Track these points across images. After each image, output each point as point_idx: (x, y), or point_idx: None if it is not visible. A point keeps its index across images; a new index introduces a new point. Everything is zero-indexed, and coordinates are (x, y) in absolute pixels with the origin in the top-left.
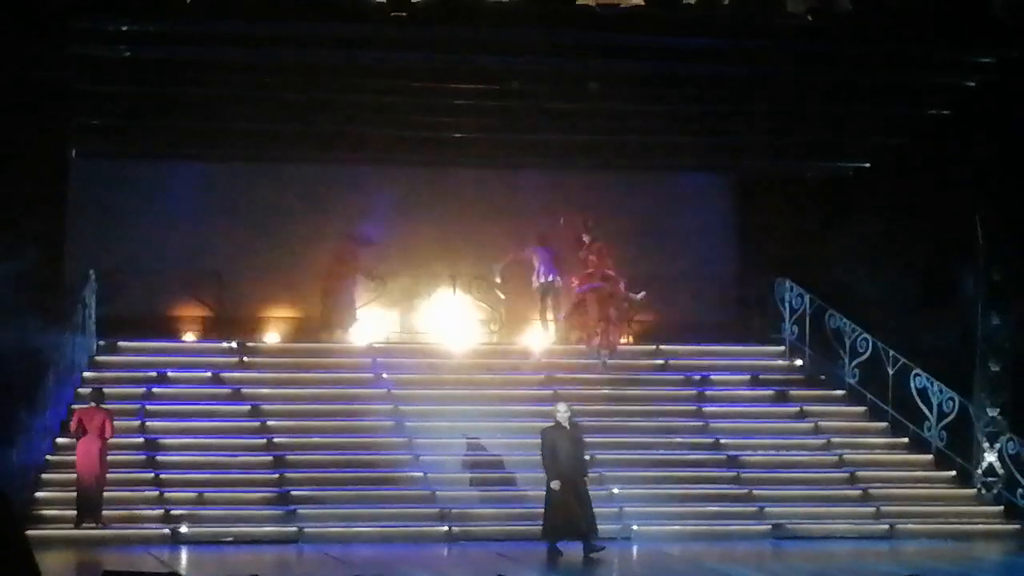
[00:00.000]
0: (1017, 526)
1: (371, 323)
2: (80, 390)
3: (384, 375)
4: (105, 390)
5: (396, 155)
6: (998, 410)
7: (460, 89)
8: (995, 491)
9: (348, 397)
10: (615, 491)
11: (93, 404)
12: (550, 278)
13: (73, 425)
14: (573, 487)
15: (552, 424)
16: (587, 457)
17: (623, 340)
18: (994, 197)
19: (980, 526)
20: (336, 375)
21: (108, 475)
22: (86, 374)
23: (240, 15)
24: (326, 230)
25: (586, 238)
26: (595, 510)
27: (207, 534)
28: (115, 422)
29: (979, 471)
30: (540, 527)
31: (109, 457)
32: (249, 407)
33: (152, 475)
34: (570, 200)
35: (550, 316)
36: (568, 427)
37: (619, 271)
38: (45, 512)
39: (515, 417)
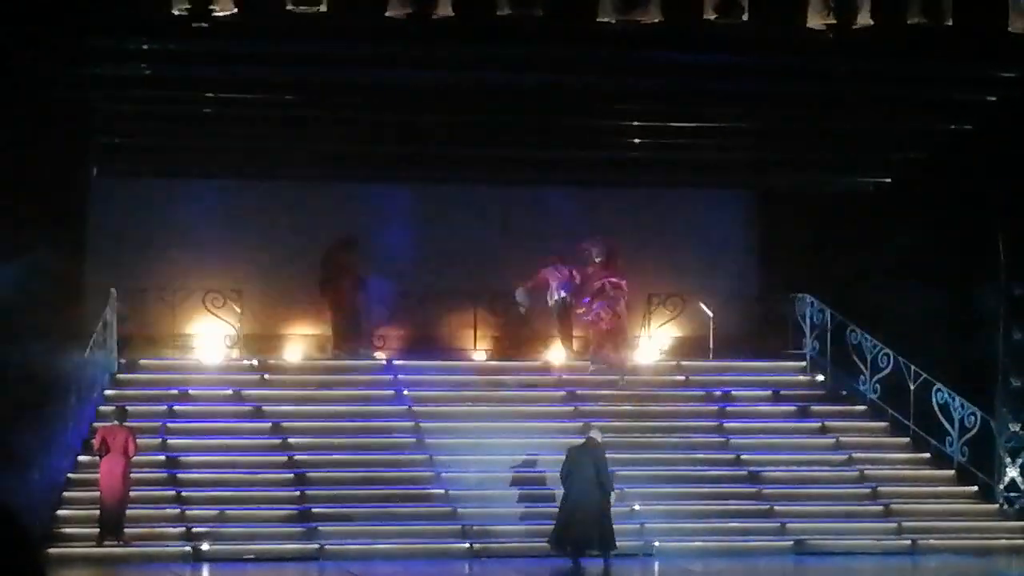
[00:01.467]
0: None
1: (390, 340)
2: (102, 408)
3: (405, 392)
4: (127, 408)
5: (417, 173)
6: (1020, 425)
7: (480, 106)
8: (1017, 506)
9: (369, 414)
10: (636, 507)
11: (116, 422)
12: (562, 294)
13: (96, 444)
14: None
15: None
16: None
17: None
18: (1016, 212)
19: (1002, 541)
20: (357, 392)
21: (130, 493)
22: (107, 392)
23: (259, 34)
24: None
25: (595, 257)
26: (616, 526)
27: (228, 551)
28: (137, 440)
29: (1001, 486)
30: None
31: (131, 475)
32: (270, 424)
33: (174, 493)
34: (591, 216)
35: (570, 333)
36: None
37: (625, 280)
38: (67, 530)
39: (536, 433)
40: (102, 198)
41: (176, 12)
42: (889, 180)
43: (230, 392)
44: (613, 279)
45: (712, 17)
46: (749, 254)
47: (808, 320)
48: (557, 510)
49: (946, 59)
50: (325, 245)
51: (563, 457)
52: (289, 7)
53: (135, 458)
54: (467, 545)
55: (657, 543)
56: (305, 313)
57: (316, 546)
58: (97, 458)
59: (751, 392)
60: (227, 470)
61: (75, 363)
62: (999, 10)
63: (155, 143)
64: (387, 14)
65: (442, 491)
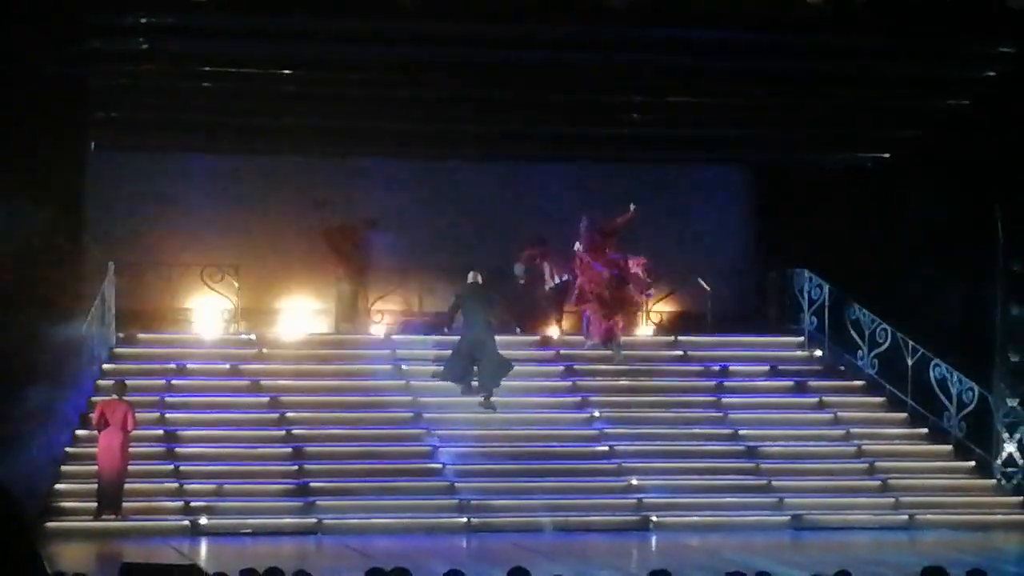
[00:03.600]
0: None
1: (387, 315)
2: (100, 382)
3: (403, 367)
4: (126, 382)
5: (415, 149)
6: (1017, 400)
7: (477, 83)
8: (1015, 481)
9: (367, 389)
10: (634, 482)
11: (115, 397)
12: (565, 278)
13: (95, 418)
14: (480, 345)
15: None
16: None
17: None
18: (1014, 188)
19: (999, 516)
20: (355, 367)
21: (128, 467)
22: (106, 366)
23: (258, 9)
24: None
25: (583, 228)
26: (612, 500)
27: (226, 526)
28: (135, 414)
29: (999, 461)
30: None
31: (129, 449)
32: (268, 399)
33: (171, 467)
34: (587, 193)
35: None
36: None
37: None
38: (65, 504)
39: (533, 408)
40: (100, 172)
41: None
42: (887, 156)
43: (228, 367)
44: (633, 269)
45: None
46: (747, 229)
47: (806, 295)
48: (457, 346)
49: (944, 35)
50: (326, 225)
51: (558, 432)
52: None
53: (133, 432)
54: (464, 519)
55: (654, 518)
56: (303, 288)
57: (314, 520)
58: (96, 432)
59: (749, 367)
60: (225, 444)
61: (73, 337)
62: None
63: (153, 117)
64: None
65: (439, 465)
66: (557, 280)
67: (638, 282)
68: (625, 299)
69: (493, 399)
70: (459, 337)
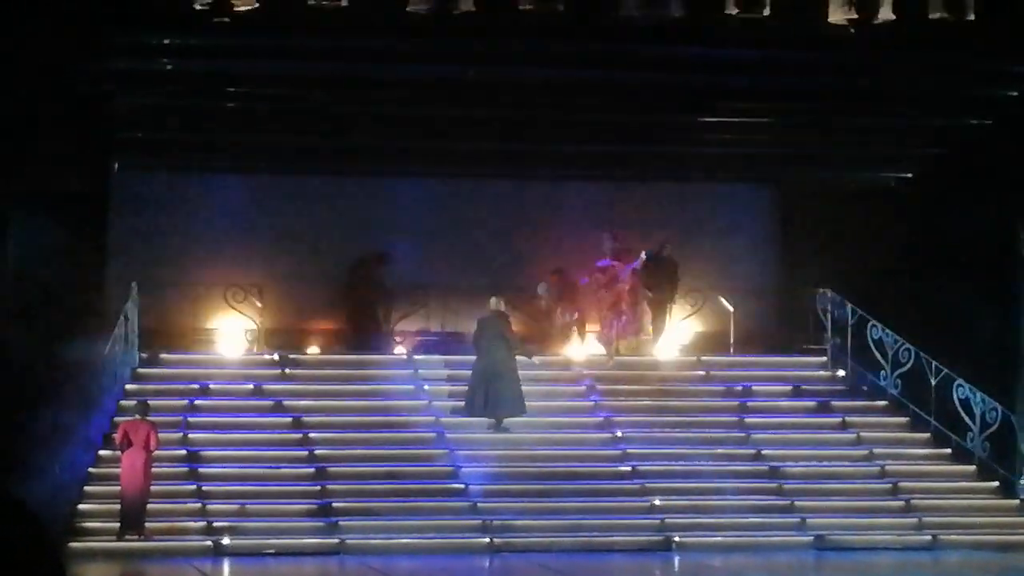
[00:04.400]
0: None
1: (411, 336)
2: (123, 402)
3: (425, 387)
4: (148, 402)
5: (436, 167)
6: None
7: (501, 101)
8: None
9: (389, 409)
10: (656, 502)
11: (138, 417)
12: (575, 316)
13: (119, 438)
14: (496, 376)
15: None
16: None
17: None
18: None
19: (1023, 537)
20: (377, 387)
21: (151, 487)
22: (129, 386)
23: (281, 29)
24: (366, 242)
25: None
26: (635, 521)
27: (249, 546)
28: (158, 434)
29: (1022, 481)
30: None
31: (152, 469)
32: (291, 419)
33: (194, 487)
34: (610, 212)
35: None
36: (499, 318)
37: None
38: (88, 525)
39: (556, 428)
40: (123, 192)
41: (197, 7)
42: (911, 175)
43: (251, 387)
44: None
45: (734, 12)
46: (770, 249)
47: (829, 315)
48: (471, 376)
49: (967, 54)
50: (351, 248)
51: (580, 452)
52: (310, 1)
53: (156, 453)
54: (487, 540)
55: (677, 538)
56: (325, 308)
57: (336, 540)
58: (118, 452)
59: (772, 387)
60: (248, 464)
61: (96, 358)
62: (1020, 5)
63: (176, 138)
64: (408, 9)
65: (462, 485)
66: (567, 318)
67: (627, 273)
68: (620, 294)
69: (505, 423)
70: (474, 367)
